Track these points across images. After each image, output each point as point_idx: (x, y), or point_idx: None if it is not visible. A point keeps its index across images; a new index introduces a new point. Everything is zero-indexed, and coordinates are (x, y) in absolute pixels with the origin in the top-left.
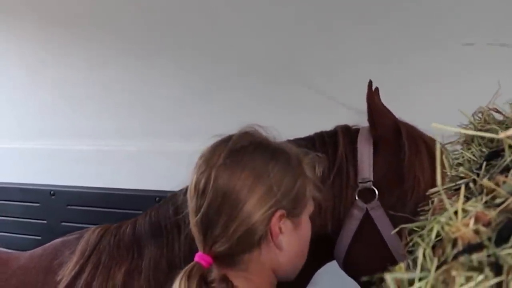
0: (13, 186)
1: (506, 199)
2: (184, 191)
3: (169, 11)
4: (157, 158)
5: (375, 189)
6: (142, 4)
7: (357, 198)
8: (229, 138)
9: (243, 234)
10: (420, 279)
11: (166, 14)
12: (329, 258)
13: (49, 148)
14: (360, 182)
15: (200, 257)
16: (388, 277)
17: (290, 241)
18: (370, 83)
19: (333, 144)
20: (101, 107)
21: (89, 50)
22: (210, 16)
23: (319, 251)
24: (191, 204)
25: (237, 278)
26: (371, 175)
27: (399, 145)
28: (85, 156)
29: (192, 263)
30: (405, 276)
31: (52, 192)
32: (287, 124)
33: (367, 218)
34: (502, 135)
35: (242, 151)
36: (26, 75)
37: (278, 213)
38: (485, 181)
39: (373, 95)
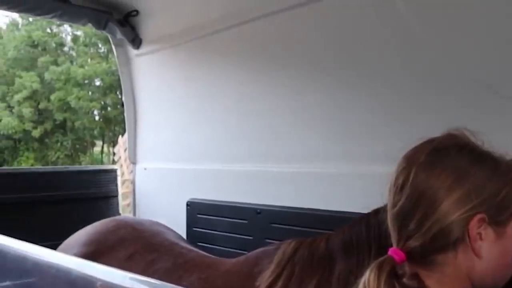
0: (224, 204)
1: None
2: (375, 211)
3: (358, 35)
4: (351, 180)
5: None
6: (334, 30)
7: None
8: (433, 139)
9: (438, 233)
10: None
11: (355, 37)
12: None
13: (255, 169)
14: None
15: (393, 251)
16: None
17: (491, 250)
18: None
19: None
20: (298, 131)
21: (291, 79)
22: (400, 33)
23: None
24: (389, 198)
25: (430, 278)
26: None
27: None
28: (286, 178)
29: (384, 256)
30: None
31: (258, 211)
32: None
33: None
34: None
35: (445, 152)
36: (236, 105)
37: (477, 217)
38: None
39: None
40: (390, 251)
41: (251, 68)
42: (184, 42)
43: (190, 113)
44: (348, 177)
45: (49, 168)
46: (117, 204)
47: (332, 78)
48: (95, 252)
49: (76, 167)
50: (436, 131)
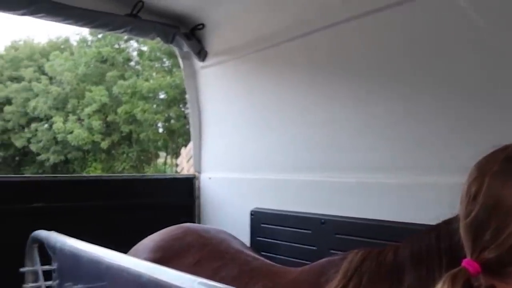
0: (288, 214)
1: None
2: (446, 222)
3: (426, 42)
4: (420, 190)
5: None
6: (410, 35)
7: None
8: (506, 147)
9: None
10: None
11: (423, 44)
12: None
13: (319, 179)
14: None
15: (467, 263)
16: None
17: None
18: None
19: None
20: (363, 141)
21: (354, 90)
22: (470, 38)
23: None
24: (461, 209)
25: None
26: None
27: None
28: (351, 188)
29: (458, 268)
30: None
31: (322, 221)
32: None
33: None
34: None
35: None
36: (300, 114)
37: None
38: None
39: None
40: (464, 263)
41: (315, 78)
42: (249, 53)
43: (254, 123)
44: (416, 187)
45: (127, 175)
46: (193, 212)
47: (399, 87)
48: (162, 258)
49: (154, 175)
50: (508, 138)
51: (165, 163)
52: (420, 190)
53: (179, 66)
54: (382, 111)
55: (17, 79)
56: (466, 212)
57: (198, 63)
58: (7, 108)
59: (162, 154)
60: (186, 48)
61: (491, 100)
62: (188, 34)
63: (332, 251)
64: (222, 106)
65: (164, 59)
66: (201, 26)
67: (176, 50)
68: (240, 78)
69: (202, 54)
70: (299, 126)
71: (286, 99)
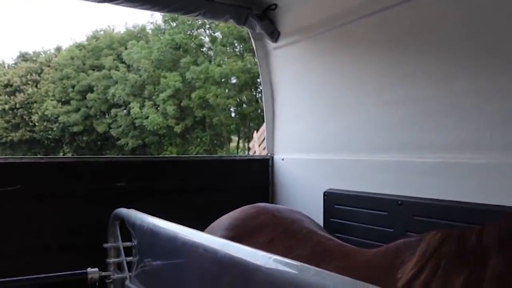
0: (363, 195)
1: None
2: None
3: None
4: (508, 171)
5: None
6: (481, 13)
7: None
8: None
9: None
10: None
11: (502, 19)
12: None
13: (396, 160)
14: None
15: None
16: None
17: None
18: None
19: None
20: (443, 120)
21: (435, 66)
22: None
23: None
24: None
25: None
26: None
27: None
28: (430, 168)
29: None
30: None
31: (399, 202)
32: None
33: None
34: None
35: None
36: (376, 93)
37: None
38: None
39: None
40: None
41: (392, 55)
42: (322, 32)
43: (328, 104)
44: (502, 167)
45: (203, 156)
46: (268, 193)
47: (483, 62)
48: (235, 236)
49: (229, 156)
50: None
51: (237, 147)
52: (506, 170)
53: (250, 51)
54: (465, 88)
55: (98, 68)
56: None
57: (271, 44)
58: (89, 96)
59: (235, 138)
60: (258, 29)
61: None
62: (261, 15)
63: (409, 233)
64: (296, 86)
65: (236, 44)
66: (274, 7)
67: (249, 32)
68: (313, 58)
69: (275, 34)
70: (376, 106)
71: (362, 78)
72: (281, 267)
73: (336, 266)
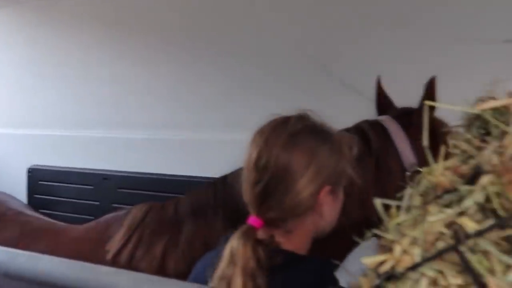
0: (71, 170)
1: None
2: (223, 177)
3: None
4: (201, 146)
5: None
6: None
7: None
8: (287, 120)
9: (294, 205)
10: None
11: (207, 12)
12: None
13: (102, 136)
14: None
15: (253, 221)
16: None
17: (330, 210)
18: (379, 78)
19: (375, 134)
20: (147, 99)
21: (142, 49)
22: (250, 15)
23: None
24: (248, 176)
25: (282, 237)
26: (415, 160)
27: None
28: (135, 144)
29: (245, 225)
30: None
31: (105, 176)
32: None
33: None
34: (478, 107)
35: (299, 134)
36: (84, 70)
37: (324, 190)
38: (463, 144)
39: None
40: (251, 221)
41: (102, 33)
42: (30, 1)
43: (34, 77)
44: (198, 143)
45: None
46: None
47: (183, 50)
48: None
49: None
50: (280, 101)
51: None
52: (200, 145)
53: None
54: (165, 72)
55: None
56: (255, 180)
57: None
58: None
59: None
60: None
61: (263, 66)
62: None
63: (115, 205)
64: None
65: None
66: None
67: None
68: (19, 26)
69: None
70: (84, 82)
71: (70, 52)
72: None
73: (47, 246)
